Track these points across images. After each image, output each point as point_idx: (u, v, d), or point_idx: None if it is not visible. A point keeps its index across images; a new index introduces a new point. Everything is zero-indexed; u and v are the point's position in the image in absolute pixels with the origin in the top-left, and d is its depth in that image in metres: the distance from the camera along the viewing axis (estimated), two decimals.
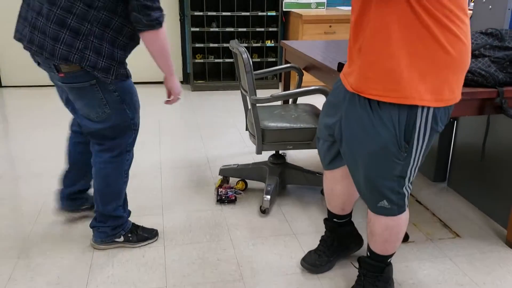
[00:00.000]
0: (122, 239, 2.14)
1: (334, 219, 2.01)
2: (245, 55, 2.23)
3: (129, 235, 2.15)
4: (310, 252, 2.05)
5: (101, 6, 1.71)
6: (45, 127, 3.77)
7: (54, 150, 3.27)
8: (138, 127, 2.04)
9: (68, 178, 2.25)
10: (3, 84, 4.94)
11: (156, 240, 2.22)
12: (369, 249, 1.77)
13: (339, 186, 1.89)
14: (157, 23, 1.74)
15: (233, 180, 2.82)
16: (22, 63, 4.83)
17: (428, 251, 2.17)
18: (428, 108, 1.43)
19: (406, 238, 2.26)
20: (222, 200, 2.57)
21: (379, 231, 1.68)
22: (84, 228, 2.30)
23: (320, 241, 2.06)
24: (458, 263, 2.08)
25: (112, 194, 2.06)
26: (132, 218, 2.23)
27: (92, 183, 2.15)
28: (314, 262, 2.00)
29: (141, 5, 1.69)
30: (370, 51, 1.43)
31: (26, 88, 4.92)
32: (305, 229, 2.35)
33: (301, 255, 2.12)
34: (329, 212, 2.02)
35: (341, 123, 1.60)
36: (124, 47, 1.83)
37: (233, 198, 2.58)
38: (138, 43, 1.90)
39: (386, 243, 1.70)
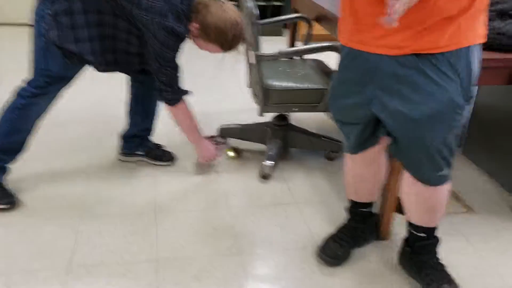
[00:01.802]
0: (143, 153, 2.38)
1: (361, 209, 1.81)
2: (250, 4, 1.97)
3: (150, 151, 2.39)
4: (327, 241, 1.82)
5: None
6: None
7: None
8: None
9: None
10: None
11: (169, 165, 2.38)
12: (424, 229, 1.61)
13: (370, 169, 1.68)
14: (170, 102, 1.98)
15: (232, 141, 2.63)
16: None
17: (440, 227, 2.02)
18: (479, 45, 1.28)
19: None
20: None
21: (443, 202, 1.53)
22: (70, 196, 2.14)
23: (342, 228, 1.85)
24: (471, 241, 1.93)
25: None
26: (120, 177, 2.06)
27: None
28: (336, 254, 1.77)
29: (157, 88, 1.96)
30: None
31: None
32: (308, 198, 2.19)
33: (303, 227, 1.97)
34: (354, 203, 1.81)
35: (380, 96, 1.37)
36: None
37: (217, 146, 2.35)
38: None
39: (442, 211, 1.58)
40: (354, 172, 1.71)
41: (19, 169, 2.24)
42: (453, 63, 1.25)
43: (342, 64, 1.47)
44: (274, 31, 4.67)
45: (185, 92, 2.00)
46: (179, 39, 1.85)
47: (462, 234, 1.98)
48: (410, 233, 1.67)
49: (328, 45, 2.03)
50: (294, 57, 2.54)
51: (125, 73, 2.12)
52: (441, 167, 1.44)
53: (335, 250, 1.78)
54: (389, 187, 1.79)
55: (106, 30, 1.84)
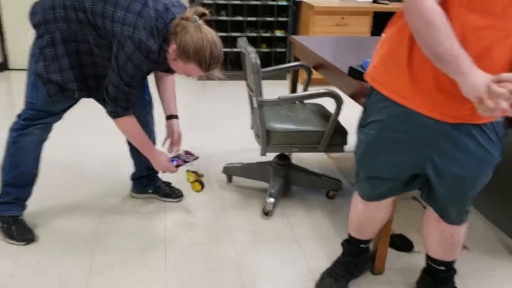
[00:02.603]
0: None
1: (361, 245, 1.91)
2: (253, 55, 2.16)
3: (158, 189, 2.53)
4: (323, 276, 1.92)
5: None
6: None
7: (66, 141, 3.24)
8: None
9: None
10: (10, 67, 4.89)
11: (179, 201, 2.53)
12: (444, 263, 1.77)
13: (382, 213, 1.79)
14: (111, 114, 1.97)
15: (237, 179, 2.78)
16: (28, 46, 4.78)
17: None
18: None
19: (410, 247, 2.21)
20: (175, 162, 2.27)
21: (463, 238, 1.69)
22: (84, 230, 2.28)
23: (337, 263, 1.95)
24: (465, 278, 2.03)
25: None
26: (131, 212, 2.20)
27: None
28: None
29: (104, 97, 1.95)
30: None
31: None
32: (308, 233, 2.31)
33: (303, 262, 2.08)
34: (354, 239, 1.91)
35: (434, 158, 1.45)
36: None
37: (177, 164, 2.25)
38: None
39: (461, 245, 1.74)
40: (364, 215, 1.78)
41: (36, 204, 2.39)
42: (497, 129, 1.43)
43: (386, 120, 1.45)
44: (278, 76, 4.90)
45: (128, 112, 1.97)
46: (147, 56, 1.82)
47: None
48: (429, 266, 1.82)
49: (325, 92, 2.21)
50: (296, 102, 2.72)
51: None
52: (467, 210, 1.60)
53: (331, 285, 1.88)
54: (385, 224, 1.91)
55: (85, 58, 1.94)
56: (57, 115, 2.10)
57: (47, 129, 2.13)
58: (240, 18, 4.82)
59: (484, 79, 1.15)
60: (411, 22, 1.24)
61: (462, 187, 1.49)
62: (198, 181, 2.62)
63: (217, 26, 4.82)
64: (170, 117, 2.27)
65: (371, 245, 1.97)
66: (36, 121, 2.05)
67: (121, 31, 1.78)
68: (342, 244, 1.97)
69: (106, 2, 1.82)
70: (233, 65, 5.00)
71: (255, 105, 2.25)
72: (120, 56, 1.80)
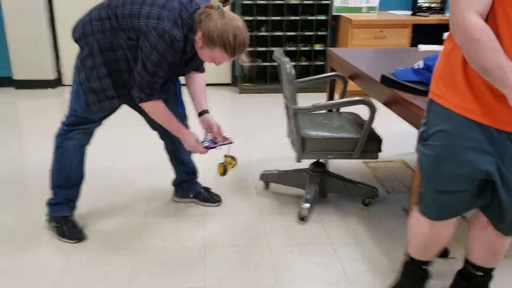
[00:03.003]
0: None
1: (424, 266, 1.83)
2: (288, 66, 2.26)
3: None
4: None
5: None
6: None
7: (110, 147, 3.44)
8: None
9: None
10: (64, 83, 5.22)
11: (217, 205, 2.64)
12: (483, 269, 1.78)
13: (449, 231, 1.71)
14: (137, 99, 2.06)
15: (274, 186, 2.86)
16: None
17: None
18: None
19: (446, 254, 2.22)
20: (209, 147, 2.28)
21: (507, 247, 1.72)
22: (128, 230, 2.42)
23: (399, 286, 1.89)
24: (503, 285, 2.02)
25: None
26: (172, 215, 2.32)
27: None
28: None
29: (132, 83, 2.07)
30: None
31: None
32: (343, 239, 2.35)
33: (337, 265, 2.13)
34: (416, 260, 1.82)
35: (500, 168, 1.45)
36: None
37: (208, 146, 2.26)
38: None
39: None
40: (431, 235, 1.71)
41: (85, 206, 2.57)
42: None
43: (452, 129, 1.46)
44: (317, 88, 4.98)
45: (152, 98, 2.05)
46: (171, 45, 1.88)
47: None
48: (468, 271, 1.82)
49: (359, 99, 2.27)
50: (333, 111, 2.80)
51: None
52: None
53: None
54: None
55: (121, 64, 2.06)
56: (97, 122, 2.27)
57: (88, 134, 2.28)
58: (280, 33, 4.95)
59: None
60: (456, 37, 1.30)
61: None
62: (224, 164, 2.41)
63: (257, 41, 4.98)
64: (202, 113, 2.32)
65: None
66: (76, 127, 2.22)
67: (146, 24, 1.88)
68: (404, 266, 1.88)
69: (134, 2, 1.96)
70: (272, 78, 5.12)
71: (291, 112, 2.34)
72: (145, 47, 1.89)
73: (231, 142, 2.29)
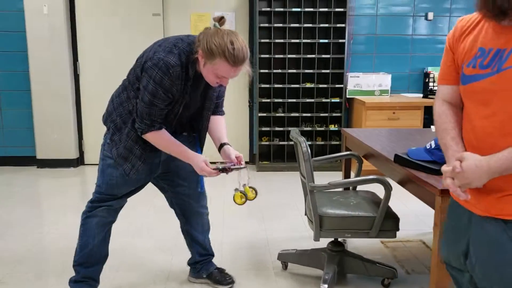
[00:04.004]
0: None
1: None
2: (304, 145, 2.34)
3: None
4: None
5: None
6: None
7: (131, 226, 3.48)
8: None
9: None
10: (86, 162, 5.39)
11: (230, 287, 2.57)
12: None
13: None
14: (137, 130, 2.10)
15: (292, 266, 2.83)
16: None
17: None
18: None
19: None
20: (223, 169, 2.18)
21: None
22: None
23: None
24: None
25: None
26: None
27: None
28: None
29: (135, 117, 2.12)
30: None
31: None
32: None
33: None
34: None
35: (470, 249, 1.42)
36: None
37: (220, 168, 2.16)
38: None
39: None
40: None
41: (104, 285, 2.56)
42: None
43: (448, 211, 1.56)
44: (333, 167, 5.04)
45: (152, 129, 2.06)
46: (167, 72, 1.93)
47: None
48: None
49: (374, 178, 2.31)
50: (350, 189, 2.83)
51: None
52: None
53: None
54: None
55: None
56: (120, 199, 2.32)
57: (112, 212, 2.33)
58: (296, 115, 5.13)
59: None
60: None
61: (490, 284, 1.38)
62: (243, 192, 2.29)
63: (275, 121, 5.15)
64: (222, 146, 2.29)
65: None
66: (101, 203, 2.29)
67: (146, 62, 1.99)
68: None
69: (142, 56, 2.08)
70: (289, 157, 5.22)
71: (307, 190, 2.38)
72: (143, 79, 1.98)
73: (244, 167, 2.21)
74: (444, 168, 1.36)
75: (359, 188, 2.88)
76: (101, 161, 2.27)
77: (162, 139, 2.11)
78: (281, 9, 4.98)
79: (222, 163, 2.17)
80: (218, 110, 2.36)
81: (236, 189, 2.27)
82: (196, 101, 2.19)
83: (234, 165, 2.17)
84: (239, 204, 2.26)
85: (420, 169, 2.07)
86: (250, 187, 2.29)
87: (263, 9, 4.95)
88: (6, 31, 5.05)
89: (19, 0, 4.94)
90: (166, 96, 1.99)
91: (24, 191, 4.44)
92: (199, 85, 2.13)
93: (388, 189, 2.31)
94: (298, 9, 4.97)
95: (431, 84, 5.11)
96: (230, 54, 1.89)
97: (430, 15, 5.22)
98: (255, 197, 2.30)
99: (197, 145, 2.35)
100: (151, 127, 2.06)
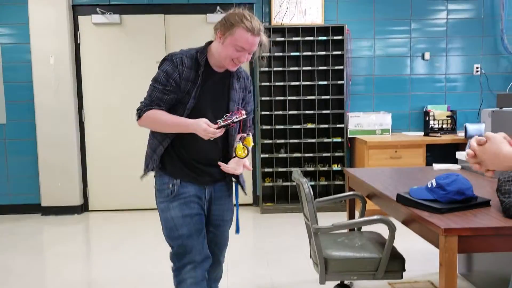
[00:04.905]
0: None
1: None
2: (306, 186, 2.36)
3: None
4: None
5: None
6: (124, 251, 4.01)
7: (133, 273, 3.45)
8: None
9: None
10: (90, 209, 5.39)
11: None
12: None
13: None
14: (138, 112, 2.11)
15: None
16: (107, 189, 5.33)
17: None
18: None
19: None
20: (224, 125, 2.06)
21: None
22: None
23: None
24: None
25: None
26: None
27: None
28: None
29: None
30: None
31: (110, 212, 5.33)
32: None
33: None
34: None
35: None
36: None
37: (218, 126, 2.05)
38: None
39: None
40: None
41: None
42: None
43: None
44: (337, 208, 5.03)
45: (149, 108, 2.07)
46: (170, 59, 2.06)
47: None
48: None
49: (378, 219, 2.31)
50: (354, 229, 2.81)
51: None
52: None
53: None
54: None
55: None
56: (195, 249, 2.13)
57: (198, 269, 2.13)
58: (298, 155, 5.16)
59: None
60: None
61: None
62: (245, 145, 2.17)
63: (277, 162, 5.18)
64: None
65: None
66: (181, 261, 2.13)
67: None
68: None
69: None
70: (293, 198, 5.21)
71: (312, 232, 2.38)
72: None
73: (245, 117, 2.10)
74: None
75: (364, 228, 2.87)
76: (159, 213, 2.19)
77: (159, 114, 2.07)
78: (280, 54, 5.12)
79: (223, 119, 2.06)
80: (245, 128, 2.27)
81: (237, 141, 2.19)
82: (216, 99, 2.15)
83: (236, 117, 2.06)
84: (241, 158, 2.15)
85: (422, 208, 2.07)
86: (248, 136, 2.20)
87: (263, 54, 5.07)
88: (14, 82, 5.20)
89: (27, 52, 5.11)
90: (167, 81, 2.06)
91: (28, 239, 4.42)
92: (217, 79, 2.14)
93: (392, 229, 2.31)
94: (297, 53, 5.10)
95: (431, 122, 5.16)
96: (248, 22, 2.01)
97: (427, 55, 5.35)
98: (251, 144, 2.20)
99: (237, 219, 2.33)
100: (148, 106, 2.07)
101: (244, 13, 2.04)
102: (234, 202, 2.36)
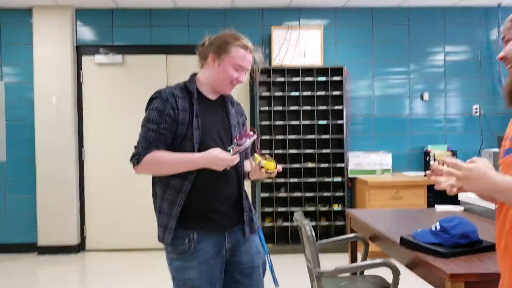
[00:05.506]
0: None
1: None
2: (308, 228, 2.33)
3: None
4: None
5: None
6: None
7: None
8: None
9: None
10: (87, 248, 5.30)
11: None
12: None
13: None
14: (135, 161, 1.94)
15: None
16: (105, 227, 5.26)
17: None
18: None
19: None
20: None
21: None
22: None
23: None
24: None
25: None
26: None
27: None
28: None
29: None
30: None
31: (107, 252, 5.23)
32: None
33: None
34: None
35: None
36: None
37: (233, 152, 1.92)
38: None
39: None
40: None
41: None
42: None
43: None
44: (339, 249, 4.93)
45: (148, 151, 1.91)
46: (157, 96, 1.98)
47: None
48: None
49: (379, 262, 2.27)
50: (357, 273, 2.75)
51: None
52: None
53: None
54: None
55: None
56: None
57: None
58: (299, 194, 5.12)
59: None
60: None
61: None
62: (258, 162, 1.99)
63: (277, 202, 5.13)
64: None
65: None
66: None
67: None
68: None
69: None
70: (293, 238, 5.13)
71: (313, 276, 2.32)
72: None
73: (254, 137, 1.97)
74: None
75: (366, 272, 2.81)
76: (170, 274, 1.98)
77: (163, 155, 1.91)
78: (280, 94, 5.17)
79: (233, 146, 1.93)
80: (253, 150, 2.19)
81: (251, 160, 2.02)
82: (219, 126, 2.02)
83: (248, 139, 1.95)
84: (272, 170, 1.99)
85: (427, 252, 2.04)
86: (265, 155, 2.04)
87: (263, 94, 5.14)
88: (16, 120, 5.22)
89: (30, 91, 5.16)
90: (160, 119, 1.92)
91: (23, 279, 4.32)
92: (212, 106, 2.03)
93: (396, 274, 2.25)
94: (297, 93, 5.15)
95: (431, 162, 5.16)
96: (242, 39, 1.99)
97: (426, 96, 5.40)
98: (275, 167, 2.00)
99: (271, 272, 2.19)
100: (146, 149, 1.90)
101: (234, 32, 2.02)
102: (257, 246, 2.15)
